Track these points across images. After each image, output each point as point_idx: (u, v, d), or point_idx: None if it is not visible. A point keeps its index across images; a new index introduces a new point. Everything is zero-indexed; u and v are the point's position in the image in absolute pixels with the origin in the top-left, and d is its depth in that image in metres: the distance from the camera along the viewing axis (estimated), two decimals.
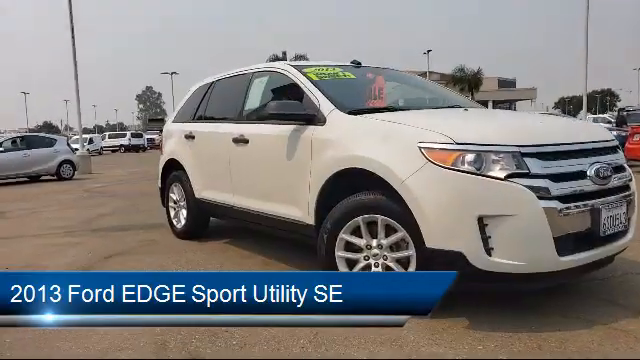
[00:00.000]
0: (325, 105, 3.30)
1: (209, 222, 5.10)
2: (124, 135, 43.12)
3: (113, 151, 40.76)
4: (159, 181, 5.58)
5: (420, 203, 2.57)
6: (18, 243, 5.24)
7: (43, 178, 14.55)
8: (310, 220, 3.28)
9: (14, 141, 14.19)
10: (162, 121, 49.93)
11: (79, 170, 15.08)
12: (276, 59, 44.75)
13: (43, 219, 6.87)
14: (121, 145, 41.02)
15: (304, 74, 3.64)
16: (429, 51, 42.03)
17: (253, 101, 4.08)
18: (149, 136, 47.25)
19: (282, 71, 3.82)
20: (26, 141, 14.42)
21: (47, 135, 16.13)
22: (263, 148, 3.75)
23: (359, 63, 4.15)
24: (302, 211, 3.35)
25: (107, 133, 45.31)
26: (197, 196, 4.76)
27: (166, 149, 5.37)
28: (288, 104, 3.39)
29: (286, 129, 3.47)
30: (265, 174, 3.74)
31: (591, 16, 23.08)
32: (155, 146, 47.36)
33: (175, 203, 5.25)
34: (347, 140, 3.03)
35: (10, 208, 8.19)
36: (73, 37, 18.28)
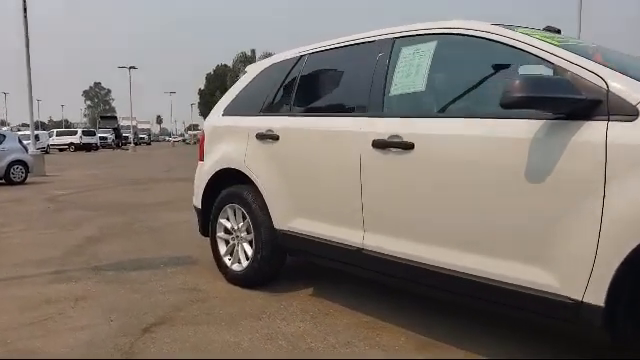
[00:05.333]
0: (628, 87, 1.82)
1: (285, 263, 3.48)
2: (74, 133, 39.71)
3: (61, 150, 37.38)
4: (197, 200, 3.87)
5: None
6: None
7: None
8: (588, 296, 1.78)
9: None
10: (114, 119, 47.53)
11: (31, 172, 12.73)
12: (245, 57, 42.78)
13: (10, 246, 4.93)
14: (71, 143, 37.74)
15: (534, 38, 2.15)
16: None
17: (409, 82, 2.50)
18: (101, 134, 44.11)
19: (478, 33, 2.29)
20: None
21: None
22: (457, 159, 2.19)
23: (558, 30, 2.71)
24: (560, 276, 1.86)
25: (55, 130, 41.54)
26: (278, 226, 3.14)
27: (214, 154, 3.68)
28: (553, 82, 1.88)
29: (523, 128, 1.97)
30: (459, 204, 2.17)
31: None
32: (107, 145, 44.19)
33: (229, 233, 3.58)
34: None
35: None
36: (25, 19, 15.82)
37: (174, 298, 3.24)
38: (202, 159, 3.84)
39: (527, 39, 2.13)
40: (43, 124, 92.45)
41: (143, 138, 64.43)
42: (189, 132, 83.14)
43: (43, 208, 7.75)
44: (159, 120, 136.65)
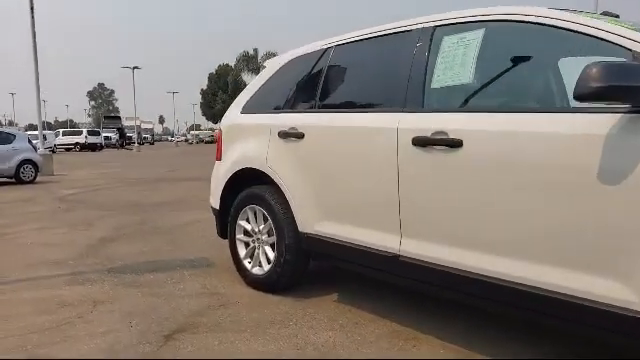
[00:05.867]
0: None
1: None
2: (80, 133, 39.72)
3: (67, 149, 37.40)
4: (215, 200, 3.74)
5: None
6: None
7: None
8: None
9: None
10: (118, 118, 47.28)
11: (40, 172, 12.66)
12: (246, 56, 42.63)
13: (23, 246, 4.83)
14: (77, 143, 37.78)
15: (605, 22, 1.98)
16: None
17: (453, 74, 2.35)
18: (105, 134, 44.16)
19: (538, 19, 2.09)
20: None
21: (3, 129, 13.55)
22: (513, 158, 2.02)
23: (617, 15, 2.55)
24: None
25: (61, 130, 41.48)
26: (303, 229, 3.01)
27: (233, 153, 3.55)
28: (638, 69, 1.71)
29: (598, 123, 1.79)
30: (515, 208, 2.01)
31: None
32: (111, 145, 44.19)
33: (249, 236, 3.45)
34: None
35: None
36: (33, 19, 15.76)
37: (194, 302, 3.12)
38: (220, 158, 3.72)
39: (599, 24, 1.93)
40: (49, 124, 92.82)
41: (146, 138, 64.47)
42: (191, 132, 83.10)
43: (54, 208, 7.65)
44: (161, 120, 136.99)
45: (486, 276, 2.11)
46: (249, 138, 3.44)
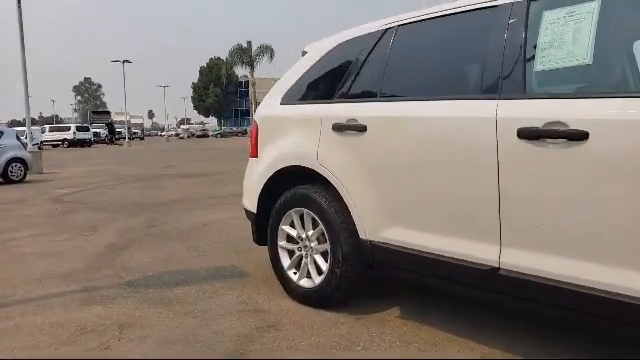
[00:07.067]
0: None
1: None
2: (68, 128, 38.73)
3: (54, 146, 36.44)
4: (250, 202, 3.29)
5: None
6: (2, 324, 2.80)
7: None
8: None
9: None
10: (107, 114, 46.21)
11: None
12: (240, 49, 41.85)
13: (23, 257, 4.32)
14: (64, 139, 36.82)
15: None
16: None
17: (564, 54, 1.93)
18: (94, 130, 43.27)
19: None
20: None
21: None
22: None
23: None
24: None
25: (47, 126, 40.45)
26: (367, 236, 2.58)
27: (272, 149, 3.10)
28: None
29: None
30: None
31: None
32: (101, 140, 43.31)
33: (294, 242, 3.02)
34: None
35: None
36: (19, 8, 15.05)
37: (238, 324, 2.67)
38: (255, 155, 3.27)
39: None
40: (33, 120, 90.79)
41: (136, 133, 63.47)
42: (182, 126, 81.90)
43: (50, 210, 7.12)
44: (151, 115, 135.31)
45: (620, 294, 1.72)
46: (293, 132, 3.00)
